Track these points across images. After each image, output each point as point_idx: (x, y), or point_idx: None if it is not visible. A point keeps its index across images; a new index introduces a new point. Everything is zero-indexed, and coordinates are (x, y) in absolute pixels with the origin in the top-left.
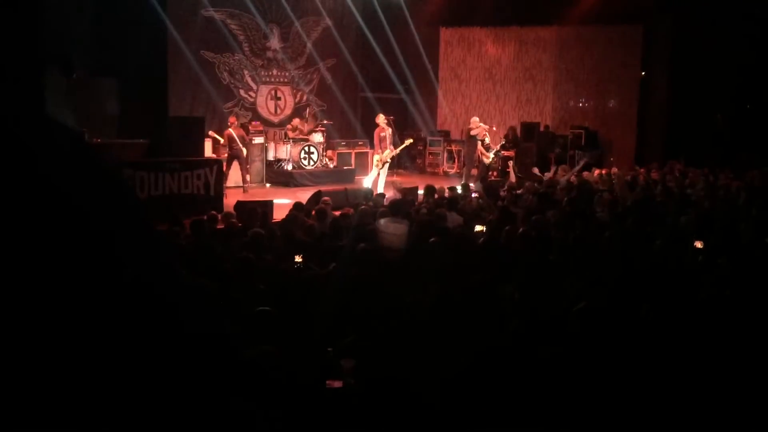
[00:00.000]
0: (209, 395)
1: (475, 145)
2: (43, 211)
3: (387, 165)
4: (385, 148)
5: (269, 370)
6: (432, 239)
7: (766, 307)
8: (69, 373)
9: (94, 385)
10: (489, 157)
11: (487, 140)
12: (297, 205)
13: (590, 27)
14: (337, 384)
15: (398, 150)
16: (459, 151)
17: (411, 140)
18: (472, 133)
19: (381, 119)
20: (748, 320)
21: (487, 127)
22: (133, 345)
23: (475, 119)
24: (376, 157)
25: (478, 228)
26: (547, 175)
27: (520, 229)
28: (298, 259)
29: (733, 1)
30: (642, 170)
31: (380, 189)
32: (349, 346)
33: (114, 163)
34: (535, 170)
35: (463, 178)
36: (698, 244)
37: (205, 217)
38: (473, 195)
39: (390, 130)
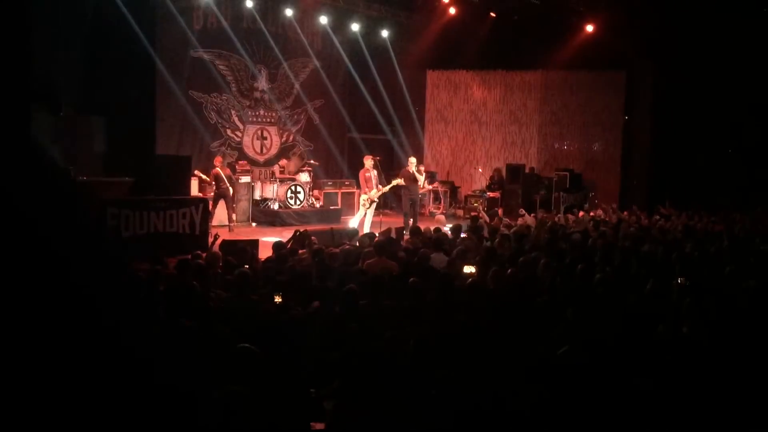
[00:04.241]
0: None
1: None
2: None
3: (374, 205)
4: (371, 188)
5: (238, 411)
6: (412, 279)
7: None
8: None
9: None
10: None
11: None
12: (277, 245)
13: (574, 72)
14: (320, 426)
15: (385, 189)
16: (445, 192)
17: (399, 180)
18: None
19: (368, 161)
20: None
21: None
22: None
23: (413, 160)
24: (363, 197)
25: (467, 270)
26: (521, 219)
27: (509, 270)
28: (277, 299)
29: (713, 47)
30: (626, 213)
31: (366, 229)
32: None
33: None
34: (522, 211)
35: (410, 221)
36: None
37: (190, 256)
38: (462, 235)
39: (375, 171)
